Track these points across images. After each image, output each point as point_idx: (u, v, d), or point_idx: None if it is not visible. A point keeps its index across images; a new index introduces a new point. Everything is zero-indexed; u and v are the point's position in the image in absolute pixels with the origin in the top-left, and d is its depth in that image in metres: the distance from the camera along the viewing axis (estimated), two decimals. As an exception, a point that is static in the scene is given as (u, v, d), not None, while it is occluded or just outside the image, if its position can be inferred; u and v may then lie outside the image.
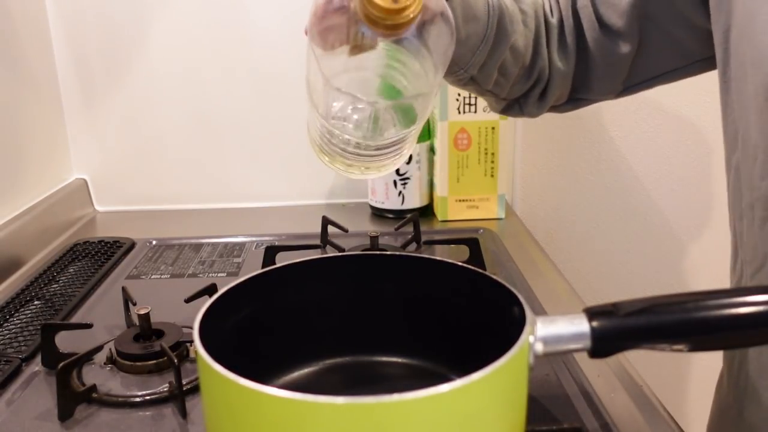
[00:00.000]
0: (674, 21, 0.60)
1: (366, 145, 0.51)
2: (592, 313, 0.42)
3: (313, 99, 0.50)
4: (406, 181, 1.00)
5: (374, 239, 0.80)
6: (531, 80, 0.65)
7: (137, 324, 0.62)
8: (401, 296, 0.53)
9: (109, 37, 1.04)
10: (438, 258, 0.52)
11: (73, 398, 0.54)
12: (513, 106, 0.68)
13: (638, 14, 0.60)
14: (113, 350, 0.61)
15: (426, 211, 1.03)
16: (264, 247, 0.83)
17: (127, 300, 0.69)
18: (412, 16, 0.43)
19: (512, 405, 0.40)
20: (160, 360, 0.59)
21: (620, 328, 0.42)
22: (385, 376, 0.54)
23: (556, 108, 0.69)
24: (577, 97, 0.68)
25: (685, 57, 0.63)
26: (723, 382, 0.64)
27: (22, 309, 0.73)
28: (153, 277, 0.82)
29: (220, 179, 1.11)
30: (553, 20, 0.64)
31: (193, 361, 0.61)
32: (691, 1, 0.58)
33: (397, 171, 0.99)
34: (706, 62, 0.61)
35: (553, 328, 0.42)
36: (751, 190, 0.52)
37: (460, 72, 0.60)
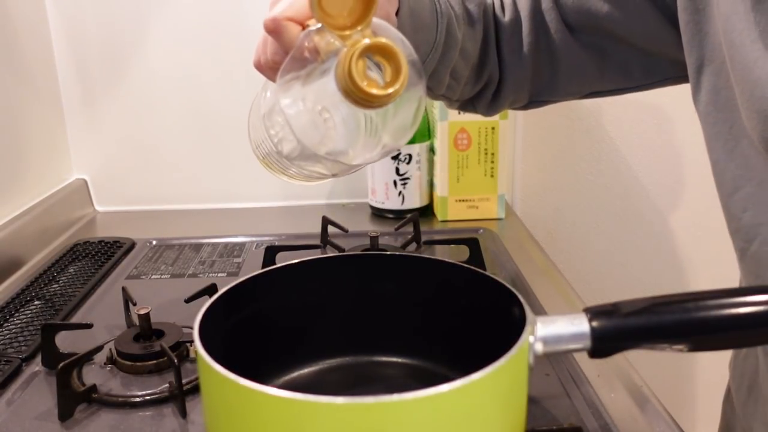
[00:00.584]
0: (644, 39, 0.59)
1: (323, 174, 0.50)
2: (592, 313, 0.42)
3: (270, 134, 0.48)
4: (406, 181, 1.00)
5: (374, 239, 0.80)
6: (481, 82, 0.64)
7: (137, 324, 0.62)
8: (401, 296, 0.53)
9: (109, 37, 1.04)
10: (438, 258, 0.53)
11: (73, 398, 0.54)
12: (467, 105, 0.67)
13: (605, 25, 0.59)
14: (113, 350, 0.61)
15: (426, 211, 1.03)
16: (264, 247, 0.83)
17: (127, 300, 0.69)
18: (395, 97, 0.41)
19: (512, 405, 0.40)
20: (160, 360, 0.59)
21: (620, 328, 0.42)
22: (385, 376, 0.54)
23: (519, 108, 0.68)
24: (540, 99, 0.67)
25: (657, 74, 0.62)
26: (731, 397, 0.64)
27: (23, 309, 0.73)
28: (153, 277, 0.82)
29: (220, 179, 1.11)
30: (505, 20, 0.62)
31: (193, 361, 0.61)
32: (659, 23, 0.57)
33: (397, 171, 0.99)
34: (680, 80, 0.60)
35: (553, 328, 0.42)
36: (728, 222, 0.52)
37: None
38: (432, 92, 0.63)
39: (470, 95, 0.65)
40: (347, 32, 0.40)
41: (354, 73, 0.39)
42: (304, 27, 0.42)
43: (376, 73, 0.42)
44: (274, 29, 0.43)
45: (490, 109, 0.67)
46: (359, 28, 0.40)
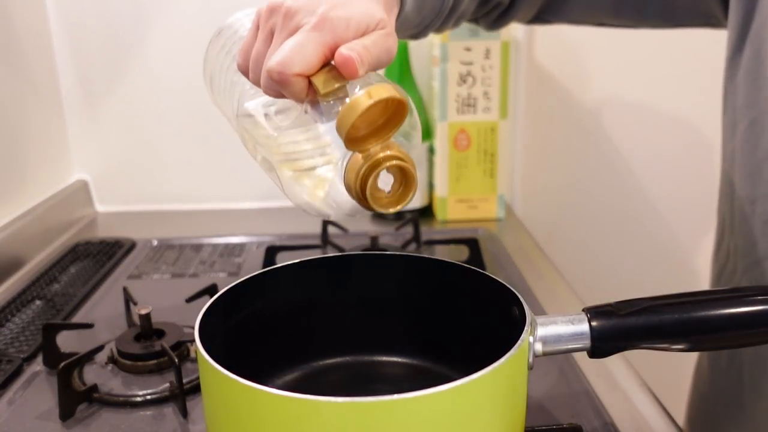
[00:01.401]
0: None
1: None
2: (591, 313, 0.42)
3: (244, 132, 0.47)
4: (407, 181, 1.00)
5: (374, 239, 0.80)
6: (487, 8, 0.63)
7: (138, 324, 0.62)
8: (401, 296, 0.53)
9: (110, 37, 1.04)
10: (438, 258, 0.53)
11: (74, 398, 0.54)
12: (470, 22, 0.67)
13: None
14: (114, 350, 0.61)
15: (426, 212, 1.04)
16: (264, 247, 0.83)
17: (128, 300, 0.70)
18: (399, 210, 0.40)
19: (512, 404, 0.41)
20: (161, 360, 0.59)
21: (620, 328, 0.42)
22: (385, 376, 0.54)
23: (520, 23, 0.68)
24: (545, 19, 0.66)
25: (672, 19, 0.60)
26: (702, 370, 0.64)
27: (24, 309, 0.73)
28: (154, 277, 0.82)
29: (221, 179, 1.11)
30: None
31: (194, 360, 0.61)
32: None
33: (398, 171, 0.99)
34: (690, 26, 0.59)
35: (553, 328, 0.42)
36: (752, 186, 0.52)
37: (411, 38, 0.58)
38: (435, 33, 0.61)
39: (473, 18, 0.65)
40: (368, 147, 0.38)
41: (367, 192, 0.38)
42: (309, 80, 0.39)
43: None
44: (279, 81, 0.39)
45: (493, 26, 0.66)
46: (379, 141, 0.38)
